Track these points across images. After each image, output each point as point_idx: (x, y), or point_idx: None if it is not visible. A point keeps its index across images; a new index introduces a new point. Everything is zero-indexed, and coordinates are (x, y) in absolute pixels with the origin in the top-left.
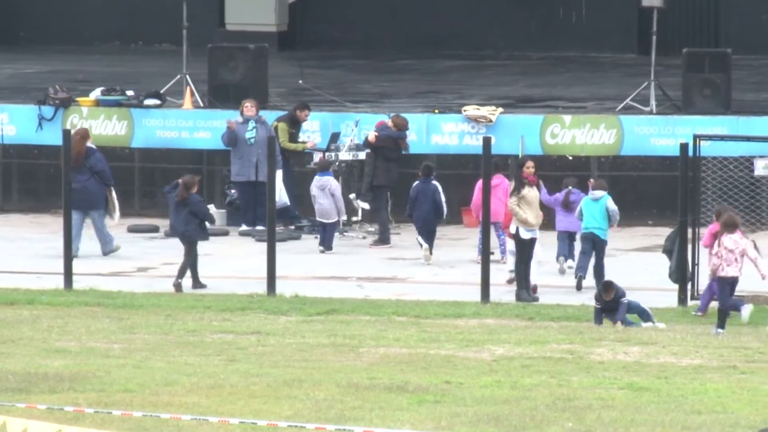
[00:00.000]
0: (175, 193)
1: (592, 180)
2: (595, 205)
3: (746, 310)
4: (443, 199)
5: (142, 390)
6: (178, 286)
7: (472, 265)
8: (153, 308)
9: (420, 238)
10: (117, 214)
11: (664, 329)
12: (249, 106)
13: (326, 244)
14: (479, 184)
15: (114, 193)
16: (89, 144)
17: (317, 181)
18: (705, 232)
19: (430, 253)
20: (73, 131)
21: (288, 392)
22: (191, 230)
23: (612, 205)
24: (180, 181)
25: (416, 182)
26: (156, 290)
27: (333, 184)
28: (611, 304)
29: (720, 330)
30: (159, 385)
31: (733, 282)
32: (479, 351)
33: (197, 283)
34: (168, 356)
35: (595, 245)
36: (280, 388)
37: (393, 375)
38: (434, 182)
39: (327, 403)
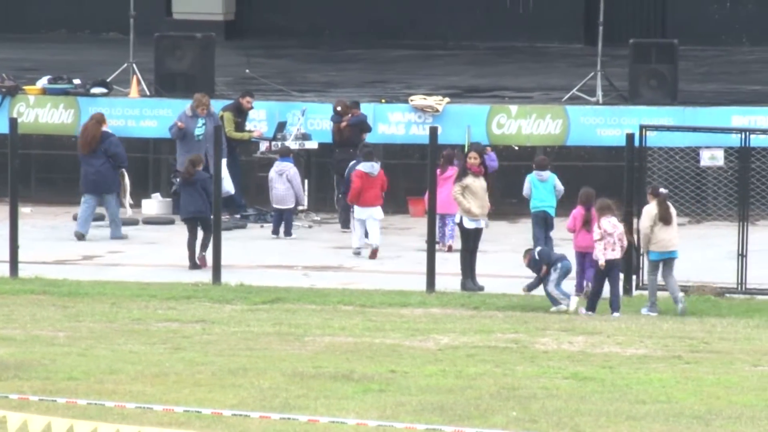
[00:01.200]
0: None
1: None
2: (544, 185)
3: (573, 301)
4: None
5: (86, 378)
6: (202, 259)
7: (418, 255)
8: (98, 296)
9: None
10: (128, 198)
11: (573, 311)
12: (203, 107)
13: (286, 230)
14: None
15: (127, 178)
16: (104, 128)
17: (276, 166)
18: (569, 217)
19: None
20: (89, 116)
21: (233, 381)
22: (205, 208)
23: (559, 184)
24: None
25: (352, 162)
26: (101, 278)
27: (291, 170)
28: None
29: (590, 312)
30: (104, 373)
31: (612, 265)
32: (424, 340)
33: (195, 263)
34: (113, 344)
35: (547, 222)
36: (225, 376)
37: (338, 364)
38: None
39: (272, 392)
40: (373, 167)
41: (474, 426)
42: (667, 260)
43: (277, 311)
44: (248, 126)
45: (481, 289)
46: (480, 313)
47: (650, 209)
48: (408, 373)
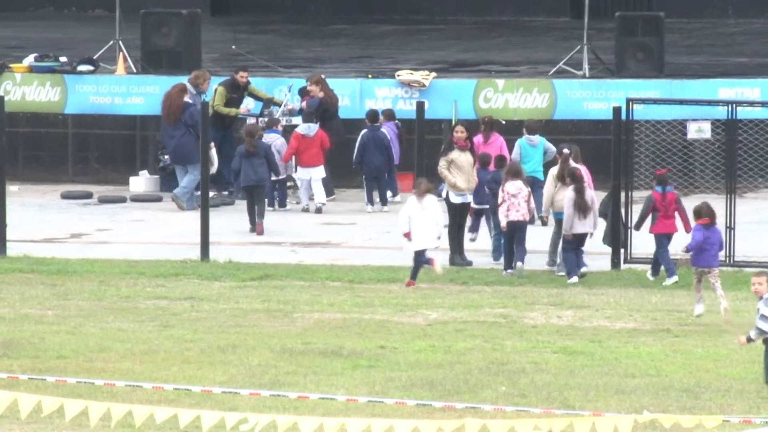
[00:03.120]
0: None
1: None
2: (535, 150)
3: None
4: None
5: (76, 356)
6: (260, 226)
7: None
8: (87, 274)
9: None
10: (215, 166)
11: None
12: (204, 82)
13: (280, 202)
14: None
15: (213, 147)
16: (186, 99)
17: (264, 138)
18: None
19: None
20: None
21: (222, 358)
22: (266, 177)
23: (551, 146)
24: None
25: (364, 130)
26: (90, 256)
27: (278, 141)
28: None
29: (509, 270)
30: (93, 352)
31: (515, 226)
32: (413, 316)
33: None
34: (102, 322)
35: (534, 185)
36: (214, 353)
37: (327, 340)
38: (383, 129)
39: (261, 369)
40: (309, 128)
41: (463, 401)
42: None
43: (266, 288)
44: (244, 103)
45: (470, 264)
46: (468, 288)
47: (553, 170)
48: (397, 349)
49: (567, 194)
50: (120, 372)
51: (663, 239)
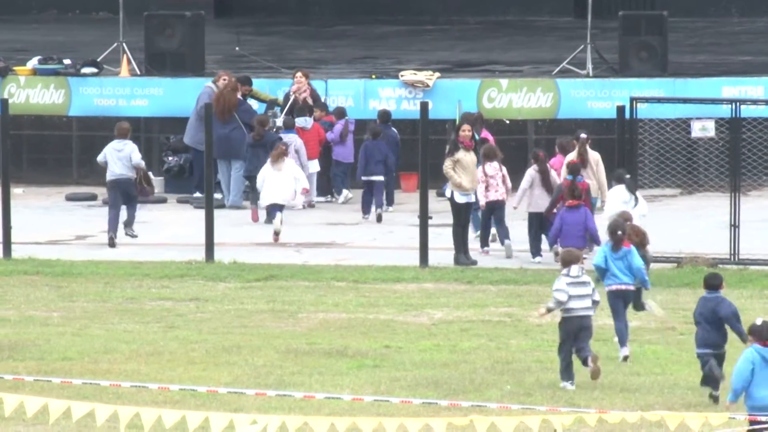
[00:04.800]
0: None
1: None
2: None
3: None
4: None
5: (81, 358)
6: (254, 212)
7: (411, 230)
8: (92, 276)
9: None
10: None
11: None
12: (226, 80)
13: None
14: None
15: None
16: (239, 96)
17: (283, 138)
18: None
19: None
20: (221, 84)
21: (227, 358)
22: None
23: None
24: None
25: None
26: (95, 258)
27: (297, 142)
28: None
29: (486, 248)
30: (98, 353)
31: (494, 205)
32: (418, 315)
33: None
34: (107, 324)
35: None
36: (219, 354)
37: (332, 340)
38: (394, 129)
39: (266, 369)
40: (306, 121)
41: (469, 400)
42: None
43: (271, 288)
44: None
45: (474, 263)
46: (473, 287)
47: (570, 156)
48: (402, 349)
49: (529, 172)
50: (125, 373)
51: None
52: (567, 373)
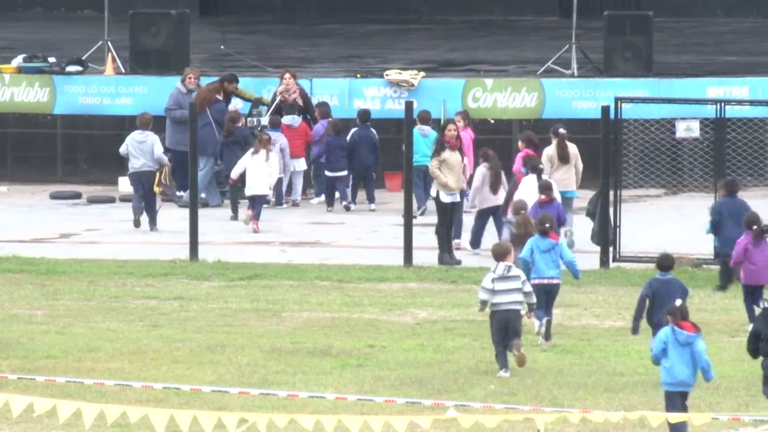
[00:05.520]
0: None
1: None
2: (427, 140)
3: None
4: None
5: (65, 356)
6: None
7: (395, 229)
8: (75, 274)
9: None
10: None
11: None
12: (192, 78)
13: (276, 200)
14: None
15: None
16: (219, 97)
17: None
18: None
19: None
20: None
21: (211, 357)
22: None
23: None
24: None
25: (354, 129)
26: (78, 256)
27: (283, 140)
28: None
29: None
30: (82, 351)
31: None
32: (402, 314)
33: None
34: (91, 322)
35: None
36: (203, 353)
37: (316, 339)
38: (373, 130)
39: (250, 368)
40: (294, 119)
41: (452, 399)
42: (566, 200)
43: (255, 287)
44: (232, 104)
45: (459, 263)
46: (457, 287)
47: (549, 150)
48: (386, 348)
49: (480, 171)
50: (109, 371)
51: None
52: (501, 360)
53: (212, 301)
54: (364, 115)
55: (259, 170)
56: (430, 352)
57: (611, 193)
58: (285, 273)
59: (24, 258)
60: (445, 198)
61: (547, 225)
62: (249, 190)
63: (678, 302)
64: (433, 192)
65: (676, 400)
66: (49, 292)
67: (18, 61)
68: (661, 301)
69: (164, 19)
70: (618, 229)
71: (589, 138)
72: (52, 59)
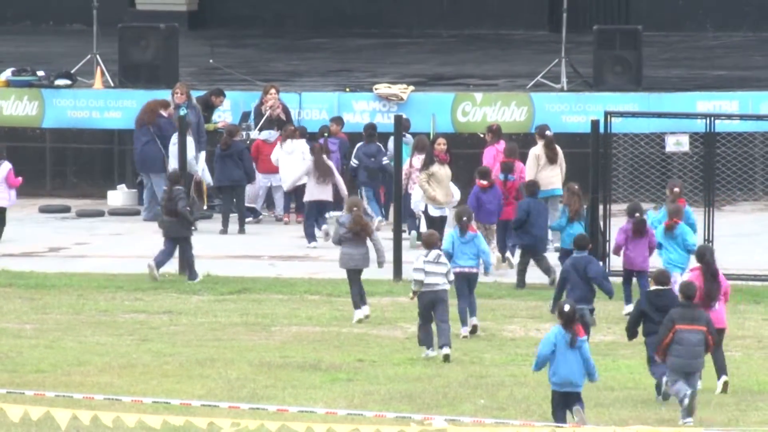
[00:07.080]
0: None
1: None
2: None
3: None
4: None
5: (54, 370)
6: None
7: (384, 243)
8: (65, 288)
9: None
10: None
11: None
12: (179, 94)
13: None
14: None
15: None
16: (162, 111)
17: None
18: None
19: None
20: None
21: (200, 371)
22: (240, 177)
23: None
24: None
25: (360, 143)
26: (68, 270)
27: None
28: None
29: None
30: (71, 365)
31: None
32: (392, 329)
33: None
34: (80, 336)
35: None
36: (193, 367)
37: (306, 353)
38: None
39: (240, 382)
40: (270, 134)
41: (442, 414)
42: (550, 198)
43: (244, 301)
44: (214, 117)
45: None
46: None
47: (536, 150)
48: (376, 362)
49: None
50: (99, 386)
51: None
52: (425, 340)
53: (201, 315)
54: (370, 129)
55: (288, 161)
56: (419, 367)
57: (601, 207)
58: (274, 287)
59: (13, 272)
60: (434, 212)
61: (465, 219)
62: (285, 183)
63: (567, 306)
64: (421, 206)
65: (561, 400)
66: (38, 306)
67: (7, 74)
68: (577, 277)
69: (153, 33)
70: (608, 242)
71: (579, 152)
72: (40, 73)
